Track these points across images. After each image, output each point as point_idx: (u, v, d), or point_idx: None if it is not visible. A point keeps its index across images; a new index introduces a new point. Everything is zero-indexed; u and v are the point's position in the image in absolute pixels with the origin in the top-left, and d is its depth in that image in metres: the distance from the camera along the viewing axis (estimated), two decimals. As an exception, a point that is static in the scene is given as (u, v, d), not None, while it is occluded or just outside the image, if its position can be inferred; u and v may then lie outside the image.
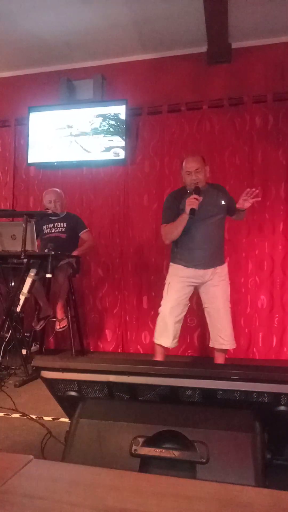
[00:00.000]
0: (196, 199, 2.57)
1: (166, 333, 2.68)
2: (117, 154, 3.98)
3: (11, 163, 4.39)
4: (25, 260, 2.95)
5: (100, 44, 3.92)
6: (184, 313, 2.74)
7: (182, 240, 2.73)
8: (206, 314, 2.78)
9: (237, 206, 2.66)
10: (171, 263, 2.83)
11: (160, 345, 2.71)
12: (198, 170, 2.70)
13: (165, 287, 2.79)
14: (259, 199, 2.77)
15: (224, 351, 2.76)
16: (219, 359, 2.76)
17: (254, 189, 2.63)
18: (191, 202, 2.57)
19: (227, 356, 2.85)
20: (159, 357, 2.74)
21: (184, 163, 2.78)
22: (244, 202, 2.62)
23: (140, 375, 1.14)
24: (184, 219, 2.62)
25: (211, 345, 2.77)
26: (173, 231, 2.70)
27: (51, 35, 3.79)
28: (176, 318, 2.69)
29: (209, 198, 2.71)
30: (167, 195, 2.97)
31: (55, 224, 3.62)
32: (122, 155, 3.96)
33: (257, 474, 1.00)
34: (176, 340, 2.70)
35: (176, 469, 1.04)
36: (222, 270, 2.76)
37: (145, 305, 3.91)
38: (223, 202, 2.74)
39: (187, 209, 2.57)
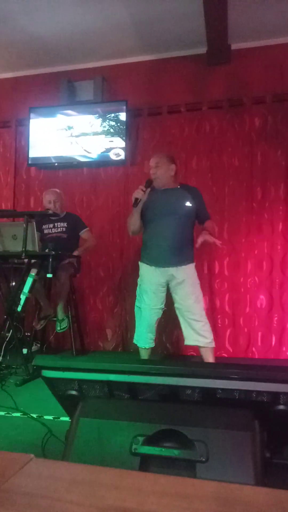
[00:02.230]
0: (142, 189, 2.65)
1: (148, 337, 2.75)
2: (117, 154, 3.99)
3: (12, 163, 4.40)
4: (25, 260, 2.96)
5: (101, 46, 3.92)
6: (159, 316, 2.78)
7: (146, 238, 2.81)
8: (177, 314, 2.77)
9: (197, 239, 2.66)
10: (139, 262, 2.87)
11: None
12: (158, 165, 2.76)
13: (137, 287, 2.84)
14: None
15: (207, 348, 2.72)
16: (206, 355, 2.72)
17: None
18: (136, 192, 2.66)
19: (226, 355, 2.86)
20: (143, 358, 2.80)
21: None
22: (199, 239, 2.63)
23: (140, 374, 1.15)
24: (133, 210, 2.74)
25: (185, 343, 2.77)
26: (128, 222, 2.86)
27: (52, 37, 3.79)
28: (154, 325, 2.75)
29: (173, 197, 2.75)
30: None
31: (56, 224, 3.63)
32: (122, 155, 3.97)
33: (256, 473, 1.00)
34: (151, 340, 2.76)
35: (176, 468, 1.05)
36: (188, 270, 2.73)
37: (145, 305, 3.91)
38: (188, 204, 2.74)
39: (132, 199, 2.68)
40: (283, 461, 1.20)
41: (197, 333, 2.66)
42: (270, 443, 1.12)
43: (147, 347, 2.76)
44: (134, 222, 2.78)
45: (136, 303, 2.83)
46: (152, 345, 2.78)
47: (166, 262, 2.70)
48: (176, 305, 2.76)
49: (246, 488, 0.70)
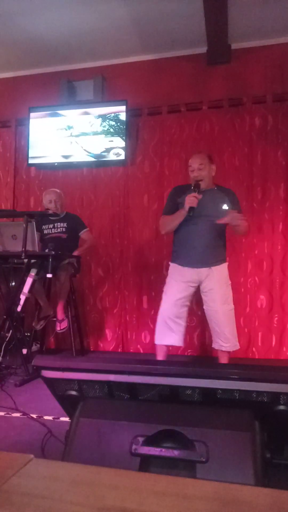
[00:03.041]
0: (196, 197, 2.53)
1: (168, 332, 2.65)
2: (117, 154, 3.99)
3: (12, 163, 4.40)
4: (25, 260, 2.96)
5: (100, 45, 3.92)
6: (184, 314, 2.69)
7: (179, 238, 2.74)
8: (206, 315, 2.76)
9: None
10: (170, 263, 2.82)
11: (162, 346, 2.70)
12: (201, 167, 2.67)
13: (164, 288, 2.78)
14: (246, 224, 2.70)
15: (227, 352, 2.72)
16: (222, 359, 2.74)
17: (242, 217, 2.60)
18: (191, 201, 2.53)
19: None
20: (160, 358, 2.74)
21: (189, 161, 2.77)
22: (231, 220, 2.57)
23: (140, 375, 1.15)
24: (181, 214, 2.62)
25: (213, 346, 2.76)
26: (169, 223, 2.71)
27: (52, 36, 3.79)
28: (174, 318, 2.66)
29: (211, 199, 2.68)
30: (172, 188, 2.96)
31: (55, 225, 3.63)
32: (122, 155, 3.97)
33: (256, 473, 1.00)
34: (179, 337, 2.66)
35: (176, 468, 1.05)
36: (221, 271, 2.70)
37: (145, 304, 3.92)
38: (225, 207, 2.67)
39: (186, 207, 2.55)
40: (283, 461, 1.20)
41: (222, 338, 2.65)
42: (270, 443, 1.12)
43: (174, 344, 2.67)
44: (176, 225, 2.68)
45: (161, 303, 2.75)
46: (180, 342, 2.66)
47: (200, 262, 2.66)
48: (205, 306, 2.73)
49: (246, 489, 0.70)
